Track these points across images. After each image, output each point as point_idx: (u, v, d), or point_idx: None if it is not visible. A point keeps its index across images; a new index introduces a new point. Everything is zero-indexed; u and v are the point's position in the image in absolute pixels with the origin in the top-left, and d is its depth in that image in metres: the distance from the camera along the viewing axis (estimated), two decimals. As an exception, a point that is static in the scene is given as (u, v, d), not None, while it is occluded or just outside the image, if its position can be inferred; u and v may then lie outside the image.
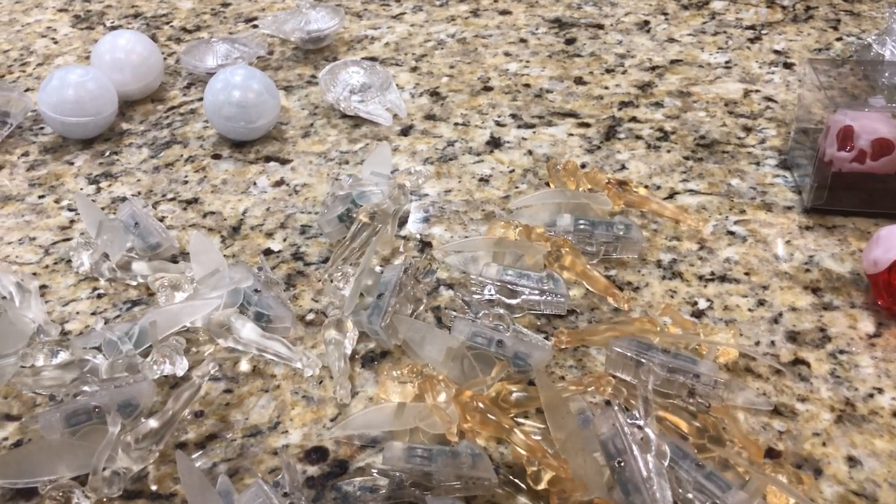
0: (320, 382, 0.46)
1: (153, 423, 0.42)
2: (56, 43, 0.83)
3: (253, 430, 0.44)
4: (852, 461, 0.41)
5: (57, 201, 0.60)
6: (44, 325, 0.48)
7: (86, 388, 0.43)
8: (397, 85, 0.72)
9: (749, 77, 0.71)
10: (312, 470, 0.42)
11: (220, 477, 0.40)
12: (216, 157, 0.64)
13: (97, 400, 0.42)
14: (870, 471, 0.41)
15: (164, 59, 0.74)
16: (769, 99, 0.68)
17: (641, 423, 0.40)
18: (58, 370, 0.45)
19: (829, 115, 0.54)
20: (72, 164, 0.64)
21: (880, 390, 0.44)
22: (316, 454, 0.43)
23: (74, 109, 0.63)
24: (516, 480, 0.41)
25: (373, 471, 0.41)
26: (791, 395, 0.44)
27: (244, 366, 0.47)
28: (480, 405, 0.41)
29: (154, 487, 0.41)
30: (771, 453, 0.41)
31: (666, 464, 0.39)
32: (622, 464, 0.38)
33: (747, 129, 0.64)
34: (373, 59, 0.76)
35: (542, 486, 0.40)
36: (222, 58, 0.73)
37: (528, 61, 0.75)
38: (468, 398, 0.42)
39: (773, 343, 0.47)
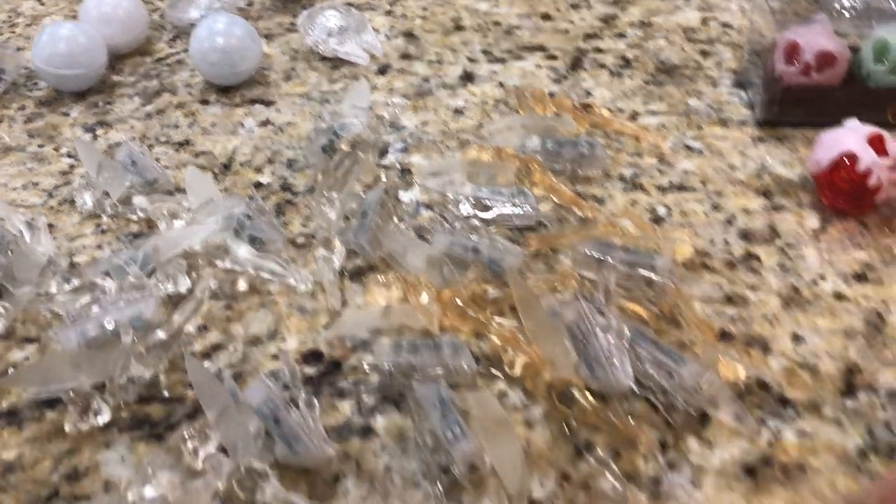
0: (313, 295, 0.50)
1: (161, 334, 0.46)
2: (42, 4, 0.85)
3: (253, 339, 0.48)
4: (797, 338, 0.46)
5: (56, 149, 0.64)
6: (54, 256, 0.52)
7: (98, 306, 0.47)
8: (373, 28, 0.75)
9: (707, 5, 0.75)
10: (310, 371, 0.46)
11: (226, 380, 0.44)
12: (204, 102, 0.68)
13: (109, 315, 0.46)
14: (812, 346, 0.45)
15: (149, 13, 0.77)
16: (726, 25, 0.72)
17: (603, 309, 0.44)
18: (71, 294, 0.49)
19: (778, 34, 0.58)
20: (67, 115, 0.67)
21: (823, 277, 0.49)
22: (312, 357, 0.47)
23: (66, 62, 0.66)
24: (493, 369, 0.45)
25: (364, 365, 0.45)
26: (742, 285, 0.49)
27: (241, 285, 0.51)
28: (460, 302, 0.46)
29: (166, 393, 0.45)
30: (724, 336, 0.46)
31: (626, 343, 0.43)
32: (586, 344, 0.43)
33: (705, 54, 0.68)
34: (348, 5, 0.79)
35: (517, 372, 0.44)
36: (205, 9, 0.76)
37: (497, 0, 0.79)
38: (448, 297, 0.46)
39: (726, 241, 0.51)
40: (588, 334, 0.43)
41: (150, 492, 0.40)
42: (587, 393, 0.42)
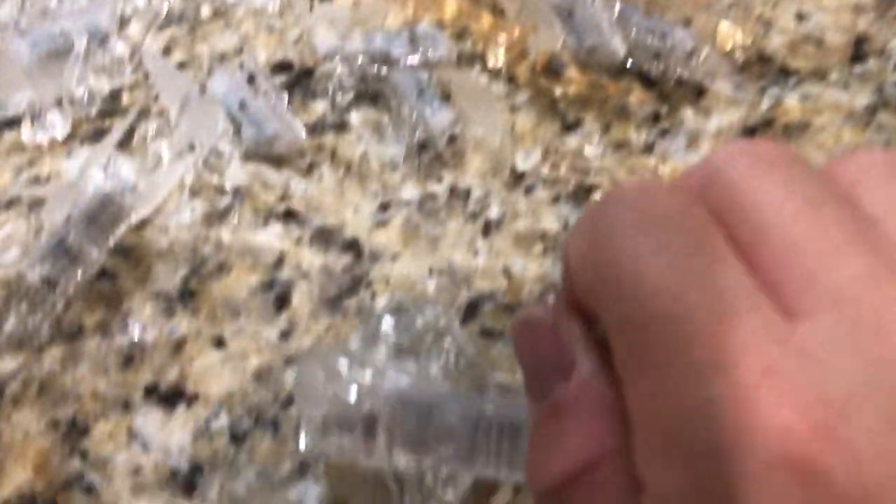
0: (280, 15, 0.47)
1: (120, 45, 0.43)
2: None
3: (219, 56, 0.45)
4: (801, 17, 0.42)
5: None
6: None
7: (51, 19, 0.44)
8: None
9: None
10: (280, 79, 0.43)
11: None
12: None
13: (62, 25, 0.43)
14: (818, 21, 0.42)
15: None
16: None
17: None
18: (21, 14, 0.46)
19: None
20: None
21: (830, -40, 0.45)
22: (281, 67, 0.44)
23: None
24: (476, 64, 0.42)
25: (337, 65, 0.42)
26: (742, -27, 0.45)
27: (205, 9, 0.48)
28: (435, -10, 0.42)
29: (126, 102, 0.43)
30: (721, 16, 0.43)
31: (615, 13, 0.40)
32: (572, 14, 0.40)
33: None
34: None
35: (500, 62, 0.41)
36: None
37: None
38: (423, -14, 0.43)
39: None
40: (574, 4, 0.39)
41: (112, 181, 0.37)
42: (575, 66, 0.39)
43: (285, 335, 0.33)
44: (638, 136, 0.38)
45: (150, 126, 0.40)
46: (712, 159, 0.17)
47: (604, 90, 0.38)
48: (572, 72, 0.39)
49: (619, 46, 0.38)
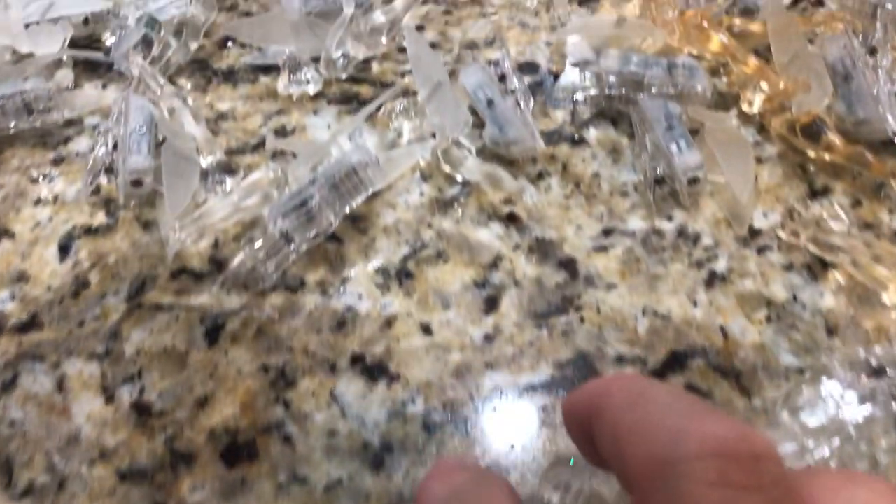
0: (536, 14, 0.47)
1: (381, 16, 0.45)
2: None
3: (469, 44, 0.46)
4: None
5: None
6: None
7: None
8: None
9: None
10: (525, 80, 0.43)
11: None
12: None
13: (330, -10, 0.45)
14: None
15: None
16: None
17: (877, 46, 0.39)
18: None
19: None
20: None
21: None
22: (529, 67, 0.44)
23: None
24: (729, 106, 0.41)
25: (586, 78, 0.42)
26: None
27: (464, -8, 0.49)
28: (706, 23, 0.41)
29: (377, 76, 0.44)
30: None
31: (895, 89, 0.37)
32: (848, 79, 0.38)
33: None
34: None
35: (755, 109, 0.40)
36: None
37: None
38: (693, 17, 0.42)
39: None
40: (853, 69, 0.37)
41: (359, 154, 0.38)
42: (837, 133, 0.37)
43: (489, 339, 0.33)
44: (890, 220, 0.36)
45: (398, 103, 0.41)
46: None
47: (864, 164, 0.36)
48: (833, 138, 0.37)
49: (892, 124, 0.36)
